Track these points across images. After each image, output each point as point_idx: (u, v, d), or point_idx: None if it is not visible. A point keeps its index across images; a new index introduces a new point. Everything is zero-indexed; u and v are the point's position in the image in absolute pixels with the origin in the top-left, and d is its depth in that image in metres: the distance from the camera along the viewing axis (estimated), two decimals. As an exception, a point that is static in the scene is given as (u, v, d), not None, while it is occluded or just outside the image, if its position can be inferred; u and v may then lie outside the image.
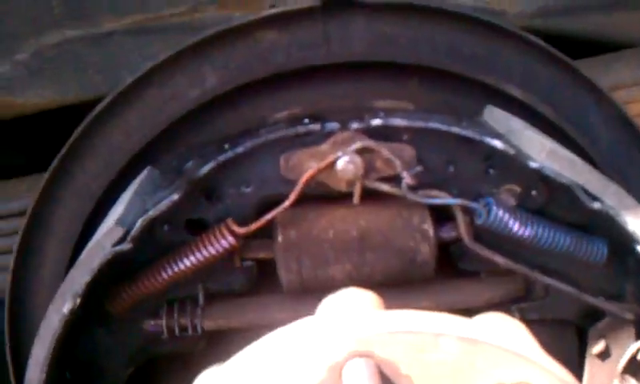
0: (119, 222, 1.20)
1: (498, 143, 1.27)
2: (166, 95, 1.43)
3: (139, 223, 1.20)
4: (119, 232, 1.19)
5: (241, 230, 1.27)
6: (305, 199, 1.28)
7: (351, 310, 1.11)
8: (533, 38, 1.45)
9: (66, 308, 1.19)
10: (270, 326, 1.29)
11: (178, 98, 1.42)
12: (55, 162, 1.45)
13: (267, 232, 1.31)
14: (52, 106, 1.76)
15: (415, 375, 0.97)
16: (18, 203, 1.69)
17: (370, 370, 0.95)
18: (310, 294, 1.28)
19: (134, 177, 1.40)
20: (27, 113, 1.77)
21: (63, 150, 1.45)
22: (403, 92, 1.44)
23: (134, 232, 1.19)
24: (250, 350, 1.04)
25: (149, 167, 1.40)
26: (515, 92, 1.44)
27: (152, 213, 1.21)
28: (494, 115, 1.40)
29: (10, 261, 1.47)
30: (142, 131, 1.43)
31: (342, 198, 1.30)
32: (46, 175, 1.46)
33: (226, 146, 1.31)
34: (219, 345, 1.36)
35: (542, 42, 1.45)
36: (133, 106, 1.44)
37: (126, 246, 1.19)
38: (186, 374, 1.28)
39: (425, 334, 0.98)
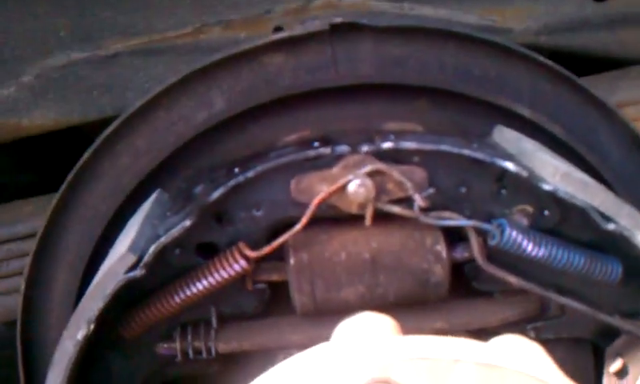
0: (131, 248, 1.19)
1: (510, 165, 1.26)
2: (173, 118, 1.42)
3: (152, 250, 1.19)
4: (132, 259, 1.18)
5: (252, 254, 1.27)
6: (315, 221, 1.27)
7: (368, 336, 1.10)
8: (542, 58, 1.45)
9: (80, 334, 1.18)
10: (284, 349, 1.30)
11: (185, 120, 1.42)
12: (64, 186, 1.45)
13: (278, 253, 1.30)
14: (57, 128, 1.75)
15: (433, 401, 0.96)
16: (24, 226, 1.68)
17: (388, 397, 0.94)
18: (323, 315, 1.27)
19: (142, 199, 1.40)
20: (32, 134, 1.76)
21: (72, 174, 1.45)
22: (412, 113, 1.43)
23: (146, 258, 1.18)
24: (267, 377, 1.03)
25: (158, 190, 1.39)
26: (524, 112, 1.44)
27: (164, 239, 1.20)
28: (505, 135, 1.40)
29: (19, 283, 1.47)
30: (150, 154, 1.43)
31: (353, 219, 1.29)
32: (55, 198, 1.45)
33: (236, 170, 1.30)
34: (233, 367, 1.35)
35: (550, 62, 1.45)
36: (141, 129, 1.43)
37: (139, 272, 1.18)
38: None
39: (442, 360, 0.97)
